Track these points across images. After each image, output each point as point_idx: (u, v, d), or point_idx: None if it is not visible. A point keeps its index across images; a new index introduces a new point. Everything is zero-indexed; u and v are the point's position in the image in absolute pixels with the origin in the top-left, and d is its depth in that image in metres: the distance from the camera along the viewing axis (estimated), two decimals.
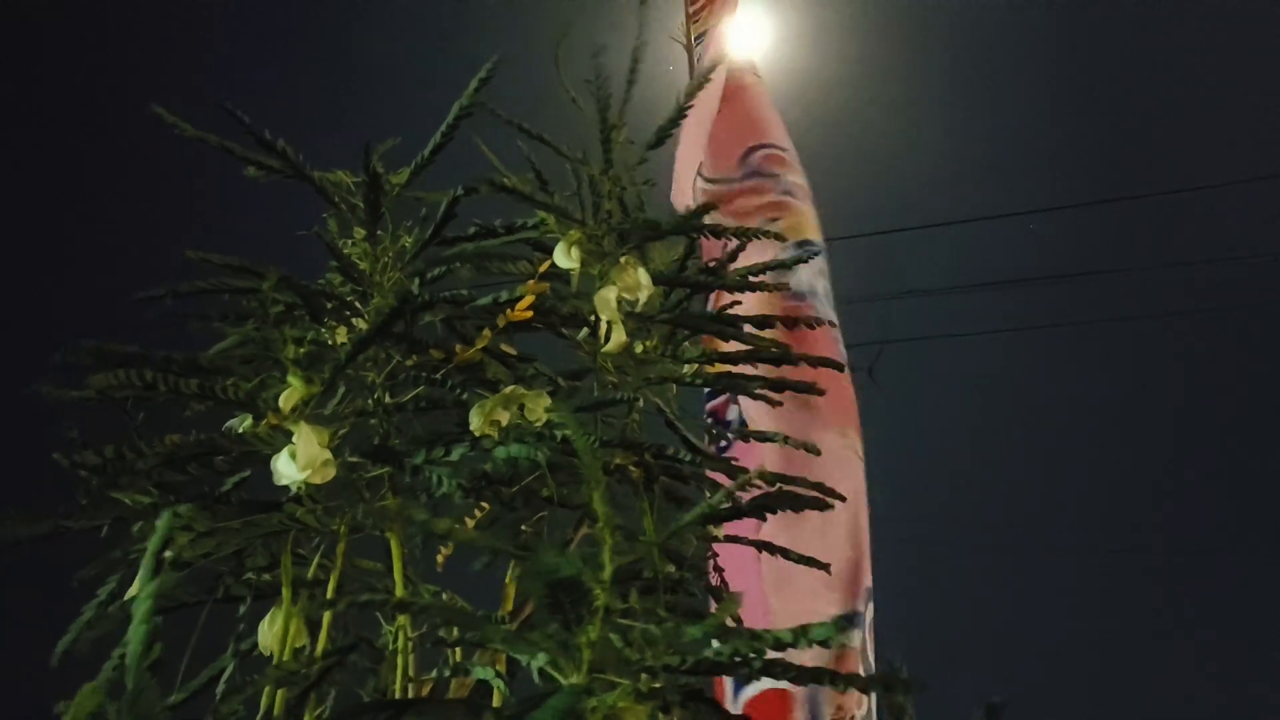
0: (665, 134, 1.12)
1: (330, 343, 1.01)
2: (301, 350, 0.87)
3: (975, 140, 4.81)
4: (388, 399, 1.01)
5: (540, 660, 0.62)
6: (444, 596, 0.96)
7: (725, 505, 1.03)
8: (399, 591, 0.86)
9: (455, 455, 0.85)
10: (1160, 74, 4.84)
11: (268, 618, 0.96)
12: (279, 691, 0.81)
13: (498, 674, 0.84)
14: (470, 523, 0.98)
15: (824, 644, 0.59)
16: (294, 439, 0.79)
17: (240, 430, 0.95)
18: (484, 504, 0.95)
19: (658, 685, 0.67)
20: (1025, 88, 4.90)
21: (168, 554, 0.82)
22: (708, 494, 1.14)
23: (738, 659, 0.63)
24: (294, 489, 0.80)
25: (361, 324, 1.07)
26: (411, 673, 0.87)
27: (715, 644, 0.64)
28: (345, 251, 1.16)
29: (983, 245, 4.69)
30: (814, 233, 2.12)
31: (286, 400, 0.81)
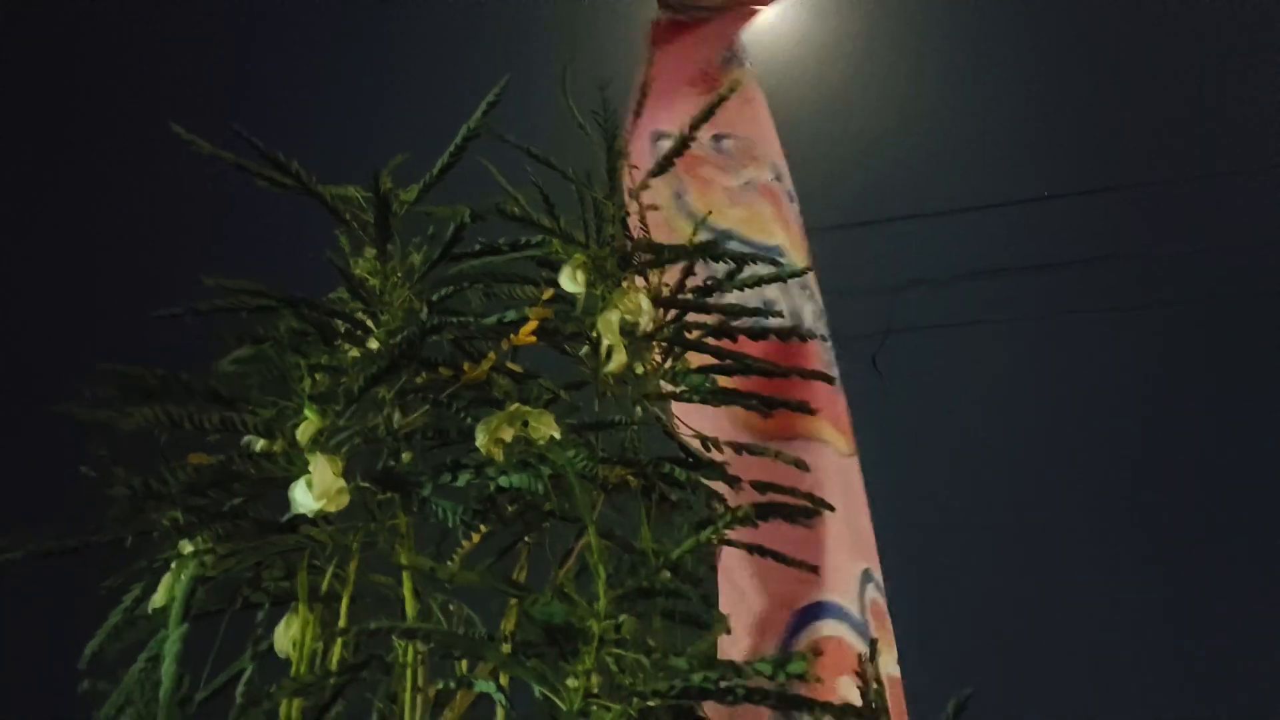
0: (669, 161, 1.15)
1: (342, 363, 1.06)
2: (318, 376, 0.92)
3: (980, 126, 4.80)
4: (398, 417, 1.06)
5: (537, 686, 0.67)
6: (451, 607, 1.01)
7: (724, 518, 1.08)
8: (409, 607, 0.91)
9: (461, 482, 0.89)
10: (1175, 55, 4.81)
11: (283, 621, 1.02)
12: (295, 701, 0.86)
13: (499, 688, 0.89)
14: (476, 537, 1.02)
15: (800, 677, 0.63)
16: (310, 469, 0.84)
17: (258, 448, 1.00)
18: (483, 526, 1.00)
19: (651, 705, 0.72)
20: (1035, 68, 4.87)
21: (193, 571, 0.88)
22: (708, 504, 1.19)
23: (724, 685, 0.68)
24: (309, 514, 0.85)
25: (373, 342, 1.12)
26: (421, 683, 0.92)
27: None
28: (355, 269, 1.20)
29: (987, 235, 4.68)
30: (779, 238, 2.01)
31: (304, 433, 0.86)
